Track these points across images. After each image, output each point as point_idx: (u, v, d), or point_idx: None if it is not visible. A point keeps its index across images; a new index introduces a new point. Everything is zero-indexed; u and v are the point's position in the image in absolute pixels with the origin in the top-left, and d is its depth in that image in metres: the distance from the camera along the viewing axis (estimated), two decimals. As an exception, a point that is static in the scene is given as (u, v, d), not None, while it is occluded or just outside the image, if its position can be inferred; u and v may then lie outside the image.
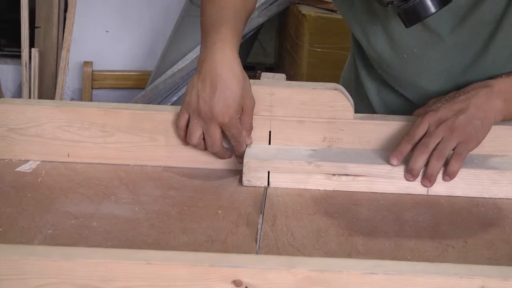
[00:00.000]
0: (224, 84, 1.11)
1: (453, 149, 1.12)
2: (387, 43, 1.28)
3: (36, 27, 3.09)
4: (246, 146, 1.18)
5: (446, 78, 1.26)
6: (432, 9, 1.07)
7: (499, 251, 0.98)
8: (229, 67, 1.13)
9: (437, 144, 1.11)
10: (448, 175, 1.12)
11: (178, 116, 1.17)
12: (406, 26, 1.11)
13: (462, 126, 1.11)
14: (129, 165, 1.20)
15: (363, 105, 1.39)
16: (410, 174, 1.12)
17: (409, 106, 1.32)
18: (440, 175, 1.12)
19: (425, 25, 1.21)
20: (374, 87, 1.39)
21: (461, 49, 1.24)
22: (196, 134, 1.15)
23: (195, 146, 1.17)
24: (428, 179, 1.12)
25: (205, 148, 1.17)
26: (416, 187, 1.13)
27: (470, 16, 1.19)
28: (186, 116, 1.15)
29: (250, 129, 1.17)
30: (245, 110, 1.15)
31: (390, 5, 1.09)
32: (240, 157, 1.18)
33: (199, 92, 1.12)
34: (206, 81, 1.12)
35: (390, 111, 1.35)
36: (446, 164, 1.12)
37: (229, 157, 1.19)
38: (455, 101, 1.14)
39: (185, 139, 1.17)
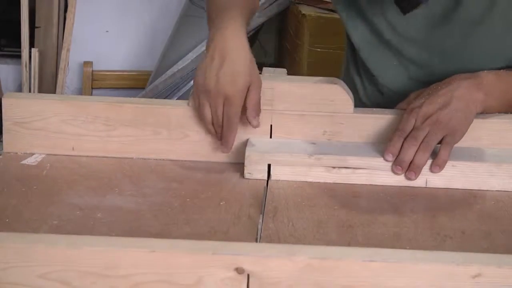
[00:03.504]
0: (232, 58, 1.13)
1: (440, 142, 1.15)
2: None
3: (36, 27, 3.08)
4: (257, 125, 1.17)
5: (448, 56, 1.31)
6: None
7: (496, 241, 1.00)
8: (238, 42, 1.15)
9: (424, 137, 1.14)
10: (438, 165, 1.14)
11: (190, 100, 1.18)
12: (404, 14, 1.16)
13: (446, 120, 1.15)
14: (132, 158, 1.22)
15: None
16: (400, 166, 1.14)
17: None
18: (426, 168, 1.14)
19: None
20: (367, 92, 1.42)
21: (461, 26, 1.27)
22: (204, 110, 1.15)
23: (210, 127, 1.16)
24: (413, 171, 1.14)
25: (221, 126, 1.15)
26: (415, 180, 1.15)
27: None
28: (197, 96, 1.16)
29: (257, 108, 1.16)
30: (252, 87, 1.15)
31: None
32: (225, 144, 1.16)
33: (207, 68, 1.14)
34: (215, 55, 1.14)
35: None
36: (433, 156, 1.14)
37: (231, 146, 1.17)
38: (438, 95, 1.17)
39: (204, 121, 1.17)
